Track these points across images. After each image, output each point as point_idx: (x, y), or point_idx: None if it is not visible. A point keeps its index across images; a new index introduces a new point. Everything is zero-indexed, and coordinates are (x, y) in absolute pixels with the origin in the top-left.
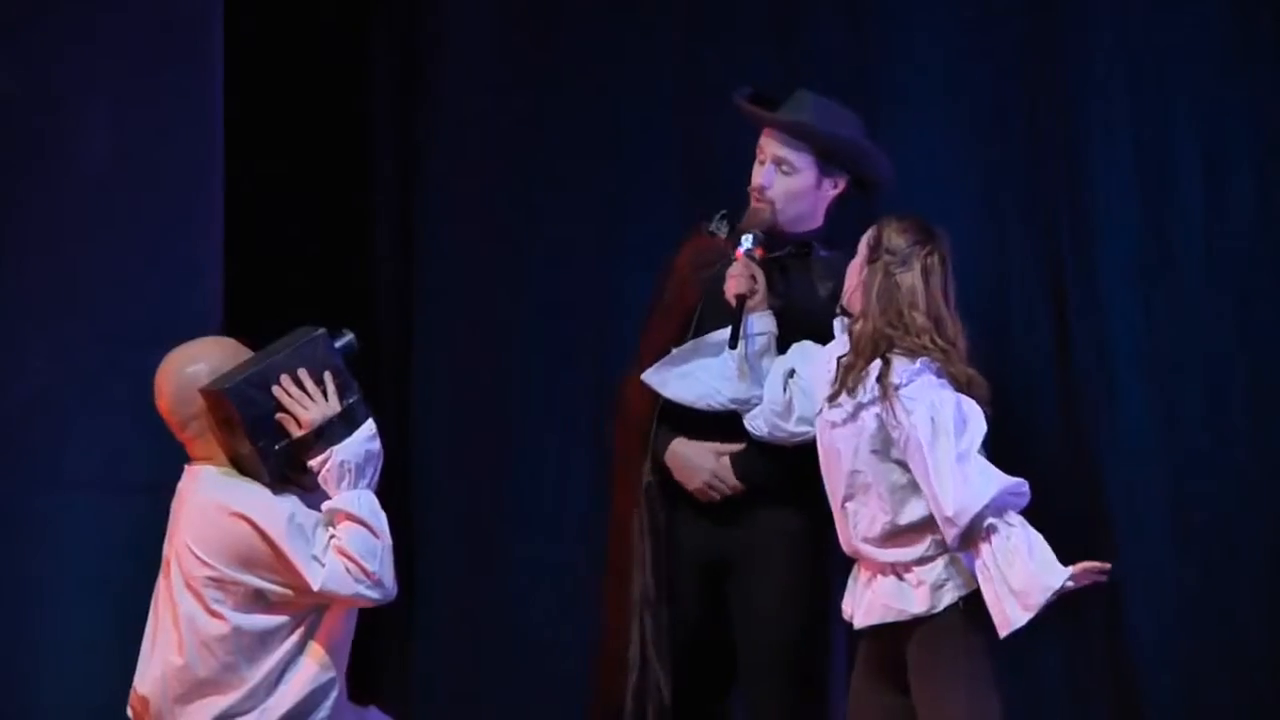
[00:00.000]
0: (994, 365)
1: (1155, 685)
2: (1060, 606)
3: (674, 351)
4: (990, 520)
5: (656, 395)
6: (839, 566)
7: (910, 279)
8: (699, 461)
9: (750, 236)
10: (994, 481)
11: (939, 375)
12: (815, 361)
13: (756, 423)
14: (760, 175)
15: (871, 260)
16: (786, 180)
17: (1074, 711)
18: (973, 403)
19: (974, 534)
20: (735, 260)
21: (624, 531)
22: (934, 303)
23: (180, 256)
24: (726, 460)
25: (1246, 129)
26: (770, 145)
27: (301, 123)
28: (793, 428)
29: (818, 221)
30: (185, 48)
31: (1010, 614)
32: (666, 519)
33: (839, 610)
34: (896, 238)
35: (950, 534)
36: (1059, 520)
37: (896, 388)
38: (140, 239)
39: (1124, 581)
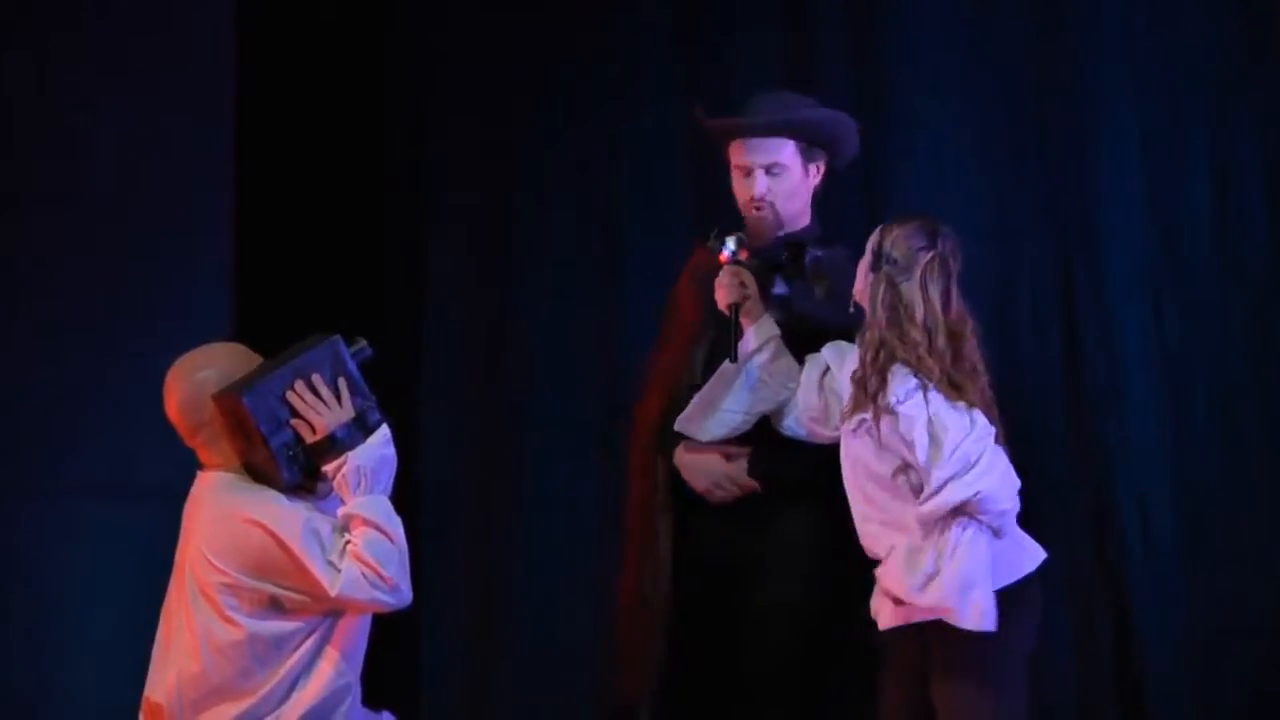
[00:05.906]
0: (1004, 370)
1: (1164, 688)
2: (1069, 607)
3: (695, 398)
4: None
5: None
6: (861, 566)
7: (909, 290)
8: (705, 465)
9: (733, 239)
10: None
11: (936, 391)
12: (847, 362)
13: (789, 423)
14: (754, 186)
15: (874, 268)
16: (779, 181)
17: (1082, 712)
18: (977, 413)
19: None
20: (722, 267)
21: (636, 539)
22: (931, 312)
23: (190, 263)
24: (742, 461)
25: (1256, 134)
26: (752, 154)
27: (313, 134)
28: (832, 432)
29: (808, 216)
30: (198, 55)
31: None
32: (682, 522)
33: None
34: (900, 244)
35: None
36: (1069, 523)
37: (892, 405)
38: (150, 245)
39: (1133, 585)
